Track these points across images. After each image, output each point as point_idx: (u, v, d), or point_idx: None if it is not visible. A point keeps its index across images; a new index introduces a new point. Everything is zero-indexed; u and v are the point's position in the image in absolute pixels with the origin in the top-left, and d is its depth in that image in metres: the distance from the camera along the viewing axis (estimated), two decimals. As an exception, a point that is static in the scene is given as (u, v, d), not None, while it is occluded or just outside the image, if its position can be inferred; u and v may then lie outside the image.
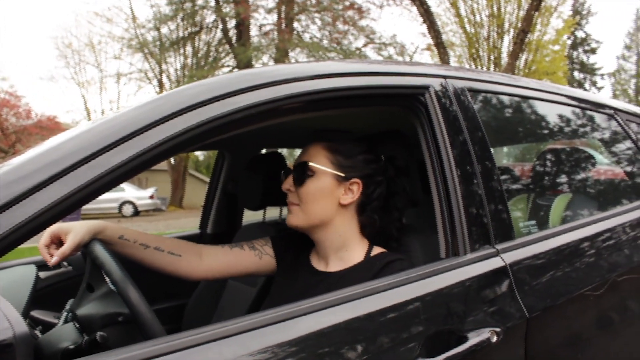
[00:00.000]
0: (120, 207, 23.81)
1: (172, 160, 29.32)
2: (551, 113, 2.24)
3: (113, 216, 22.88)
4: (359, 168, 1.62)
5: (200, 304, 2.63)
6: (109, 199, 23.68)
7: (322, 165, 1.58)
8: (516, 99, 2.05)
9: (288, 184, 1.62)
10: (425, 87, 1.58)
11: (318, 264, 1.67)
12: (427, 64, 1.78)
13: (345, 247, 1.62)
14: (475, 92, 1.77)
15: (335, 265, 1.62)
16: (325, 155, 1.60)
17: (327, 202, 1.59)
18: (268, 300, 1.69)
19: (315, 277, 1.62)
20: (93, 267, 1.38)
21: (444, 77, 1.67)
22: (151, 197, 24.60)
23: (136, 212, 23.85)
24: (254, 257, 1.72)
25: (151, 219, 21.71)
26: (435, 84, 1.62)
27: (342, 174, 1.59)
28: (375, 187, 1.63)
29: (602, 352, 1.71)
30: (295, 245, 1.76)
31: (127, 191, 24.52)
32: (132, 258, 1.51)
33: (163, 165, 31.25)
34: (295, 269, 1.69)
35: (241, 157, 2.91)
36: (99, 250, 1.36)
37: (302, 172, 1.59)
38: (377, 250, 1.61)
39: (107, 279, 1.35)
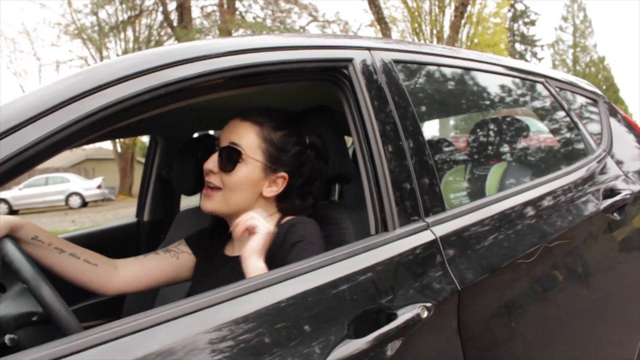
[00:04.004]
0: (67, 199, 23.20)
1: (119, 148, 28.72)
2: (482, 82, 2.24)
3: (60, 209, 22.30)
4: (288, 162, 1.57)
5: (140, 295, 2.54)
6: (54, 192, 23.12)
7: (252, 152, 1.52)
8: (447, 69, 2.03)
9: (212, 164, 1.52)
10: (349, 60, 1.54)
11: (232, 250, 1.63)
12: (351, 36, 1.74)
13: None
14: (402, 63, 1.74)
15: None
16: (257, 142, 1.54)
17: (250, 192, 1.55)
18: (190, 294, 1.64)
19: (229, 265, 1.57)
20: (4, 266, 1.30)
21: (369, 48, 1.62)
22: (99, 187, 24.05)
23: (84, 203, 23.28)
24: (170, 259, 1.65)
25: (100, 209, 21.24)
26: (360, 56, 1.57)
27: (272, 166, 1.55)
28: (299, 177, 1.60)
29: (535, 318, 1.72)
30: (209, 238, 1.71)
31: (73, 182, 23.95)
32: (44, 261, 1.39)
33: (110, 154, 30.59)
34: (209, 262, 1.65)
35: (173, 141, 2.82)
36: (9, 247, 1.28)
37: (231, 156, 1.51)
38: (286, 219, 1.58)
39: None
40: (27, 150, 1.03)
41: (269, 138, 1.55)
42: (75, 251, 1.46)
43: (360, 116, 1.51)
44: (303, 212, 1.60)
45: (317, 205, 1.65)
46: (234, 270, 1.52)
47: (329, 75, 1.53)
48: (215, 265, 1.61)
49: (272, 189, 1.57)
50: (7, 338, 1.16)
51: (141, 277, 1.59)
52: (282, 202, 1.60)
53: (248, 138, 1.53)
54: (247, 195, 1.54)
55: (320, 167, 1.64)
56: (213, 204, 1.53)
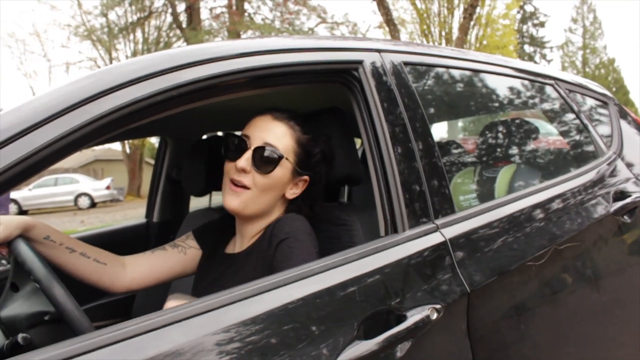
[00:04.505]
0: (76, 200, 23.28)
1: (127, 149, 28.83)
2: (491, 84, 2.24)
3: (69, 209, 22.39)
4: (312, 166, 1.58)
5: (150, 294, 2.56)
6: (63, 192, 23.21)
7: (288, 155, 1.51)
8: (456, 71, 2.03)
9: (245, 162, 1.47)
10: (359, 62, 1.54)
11: (232, 248, 1.63)
12: (361, 38, 1.74)
13: (263, 229, 1.58)
14: (412, 65, 1.74)
15: (246, 243, 1.58)
16: (291, 145, 1.53)
17: (277, 193, 1.55)
18: (192, 294, 1.64)
19: (226, 262, 1.58)
20: (16, 266, 1.31)
21: (379, 50, 1.63)
22: (107, 187, 24.13)
23: (93, 204, 23.36)
24: (178, 255, 1.65)
25: (109, 209, 21.29)
26: (370, 58, 1.58)
27: (299, 169, 1.55)
28: (317, 180, 1.61)
29: (545, 320, 1.71)
30: (215, 234, 1.71)
31: (82, 183, 24.04)
32: (55, 261, 1.41)
33: (119, 155, 30.70)
34: (209, 258, 1.65)
35: (183, 142, 2.83)
36: (22, 247, 1.29)
37: (270, 158, 1.48)
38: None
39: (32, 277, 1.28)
40: (41, 151, 1.04)
41: (301, 141, 1.55)
42: (85, 250, 1.47)
43: (370, 118, 1.52)
44: (306, 215, 1.59)
45: (316, 207, 1.65)
46: (230, 268, 1.54)
47: (339, 77, 1.54)
48: (215, 263, 1.62)
49: (294, 191, 1.57)
50: (20, 337, 1.17)
51: (148, 274, 1.59)
52: (292, 204, 1.60)
53: (285, 140, 1.52)
54: (274, 196, 1.54)
55: (322, 170, 1.64)
56: (240, 202, 1.48)
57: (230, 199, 1.49)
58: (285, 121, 1.55)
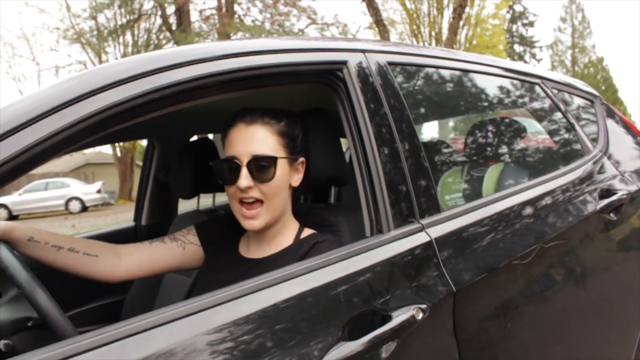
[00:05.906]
0: (66, 204, 23.19)
1: (118, 152, 28.72)
2: (478, 84, 2.24)
3: (60, 213, 22.28)
4: (301, 146, 1.57)
5: (138, 298, 2.56)
6: (54, 196, 23.12)
7: (279, 153, 1.50)
8: (442, 71, 2.04)
9: (247, 180, 1.45)
10: (343, 63, 1.54)
11: (246, 251, 1.61)
12: (346, 39, 1.73)
13: (282, 231, 1.57)
14: (398, 65, 1.74)
15: (265, 250, 1.56)
16: (276, 141, 1.51)
17: (286, 189, 1.54)
18: (195, 293, 1.63)
19: (243, 266, 1.56)
20: None
21: (363, 51, 1.63)
22: (98, 191, 24.05)
23: (84, 208, 23.27)
24: (176, 249, 1.63)
25: (100, 213, 21.22)
26: (354, 58, 1.58)
27: (292, 156, 1.54)
28: (310, 154, 1.61)
29: (532, 319, 1.72)
30: (220, 232, 1.69)
31: (73, 187, 23.96)
32: (44, 261, 1.39)
33: (109, 158, 30.60)
34: (220, 258, 1.63)
35: (171, 145, 2.82)
36: (4, 252, 1.27)
37: (267, 166, 1.47)
38: (307, 232, 1.58)
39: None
40: (22, 154, 1.03)
41: (282, 132, 1.53)
42: (73, 245, 1.44)
43: (354, 118, 1.51)
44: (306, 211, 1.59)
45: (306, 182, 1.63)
46: (248, 273, 1.50)
47: (324, 78, 1.54)
48: (227, 264, 1.60)
49: (298, 177, 1.57)
50: (2, 343, 1.16)
51: (144, 265, 1.57)
52: (295, 189, 1.59)
53: (268, 141, 1.49)
54: (284, 194, 1.53)
55: (310, 142, 1.63)
56: (261, 221, 1.49)
57: (249, 223, 1.49)
58: (258, 121, 1.51)
